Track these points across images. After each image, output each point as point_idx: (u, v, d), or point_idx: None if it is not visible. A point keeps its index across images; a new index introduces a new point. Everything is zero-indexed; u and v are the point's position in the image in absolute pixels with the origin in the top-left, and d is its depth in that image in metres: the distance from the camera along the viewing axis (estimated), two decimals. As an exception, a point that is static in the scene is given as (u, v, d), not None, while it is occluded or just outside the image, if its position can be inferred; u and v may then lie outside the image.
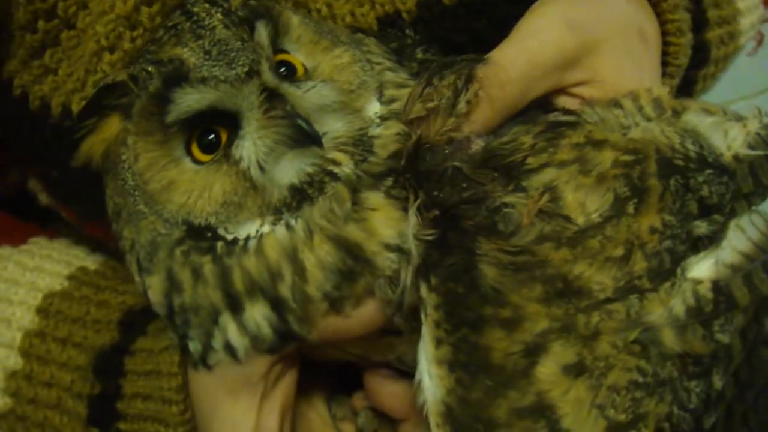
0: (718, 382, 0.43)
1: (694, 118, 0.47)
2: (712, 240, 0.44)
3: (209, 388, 0.44)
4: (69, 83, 0.49)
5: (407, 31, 0.50)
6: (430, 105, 0.42)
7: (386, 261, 0.39)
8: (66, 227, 0.59)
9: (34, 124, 0.50)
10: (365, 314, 0.40)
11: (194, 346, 0.42)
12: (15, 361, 0.51)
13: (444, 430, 0.38)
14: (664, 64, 0.52)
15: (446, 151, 0.41)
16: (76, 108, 0.48)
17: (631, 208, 0.40)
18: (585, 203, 0.39)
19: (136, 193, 0.42)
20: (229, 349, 0.41)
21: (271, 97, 0.39)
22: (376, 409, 0.48)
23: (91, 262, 0.55)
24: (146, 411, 0.48)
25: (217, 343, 0.41)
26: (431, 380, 0.38)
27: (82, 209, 0.54)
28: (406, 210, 0.40)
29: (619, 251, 0.39)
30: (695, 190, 0.43)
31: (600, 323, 0.38)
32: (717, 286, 0.43)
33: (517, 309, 0.37)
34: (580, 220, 0.39)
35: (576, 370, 0.37)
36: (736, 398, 0.49)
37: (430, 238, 0.38)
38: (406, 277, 0.39)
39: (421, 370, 0.39)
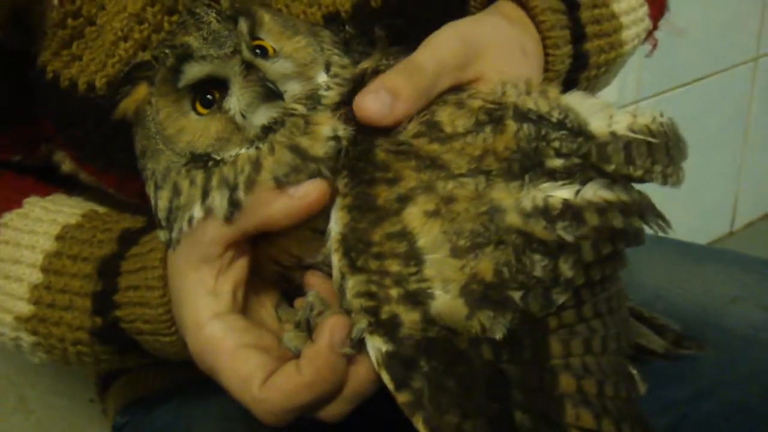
0: (567, 270, 0.52)
1: (573, 99, 0.59)
2: (569, 176, 0.53)
3: (179, 266, 0.57)
4: (92, 66, 0.63)
5: (346, 27, 0.64)
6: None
7: (324, 148, 0.54)
8: (84, 192, 0.74)
9: (64, 99, 0.65)
10: (307, 190, 0.53)
11: (175, 234, 0.55)
12: (37, 277, 0.65)
13: (339, 249, 0.52)
14: (547, 70, 0.65)
15: None
16: (99, 84, 0.63)
17: (488, 130, 0.54)
18: (454, 121, 0.54)
19: (157, 136, 0.56)
20: (190, 221, 0.54)
21: (249, 68, 0.54)
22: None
23: (98, 207, 0.70)
24: (135, 298, 0.61)
25: (185, 221, 0.55)
26: (335, 223, 0.53)
27: (101, 162, 0.68)
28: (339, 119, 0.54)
29: (477, 152, 0.53)
30: (549, 140, 0.54)
31: (454, 189, 0.52)
32: (568, 204, 0.52)
33: (397, 172, 0.52)
34: (448, 129, 0.54)
35: (433, 214, 0.51)
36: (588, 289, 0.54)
37: (350, 133, 0.54)
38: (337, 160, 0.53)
39: (331, 221, 0.53)
